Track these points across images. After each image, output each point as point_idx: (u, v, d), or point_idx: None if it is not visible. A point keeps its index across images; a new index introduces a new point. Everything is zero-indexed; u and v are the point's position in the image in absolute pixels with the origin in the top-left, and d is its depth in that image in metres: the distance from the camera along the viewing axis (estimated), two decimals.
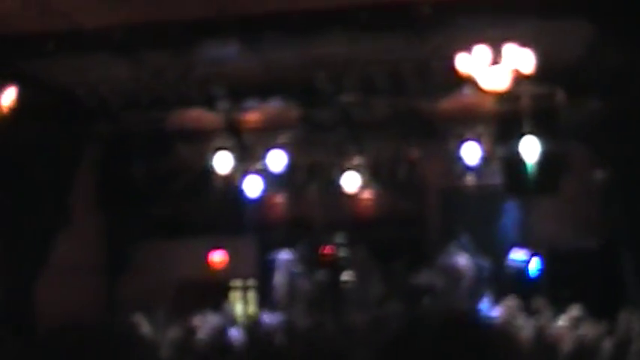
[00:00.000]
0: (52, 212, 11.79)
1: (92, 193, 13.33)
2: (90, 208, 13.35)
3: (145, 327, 11.87)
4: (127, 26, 9.31)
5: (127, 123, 12.20)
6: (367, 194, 14.24)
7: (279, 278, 13.92)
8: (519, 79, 9.89)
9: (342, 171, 13.60)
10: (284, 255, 13.96)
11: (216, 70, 10.96)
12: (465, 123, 12.73)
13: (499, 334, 10.62)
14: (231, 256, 15.22)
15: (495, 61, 9.67)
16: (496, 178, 13.21)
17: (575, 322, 11.11)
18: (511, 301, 11.83)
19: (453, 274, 12.84)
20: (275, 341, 11.70)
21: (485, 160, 13.02)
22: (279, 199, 14.36)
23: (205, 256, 15.16)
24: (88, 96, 10.91)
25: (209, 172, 13.57)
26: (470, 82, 10.05)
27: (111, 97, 10.83)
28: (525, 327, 11.15)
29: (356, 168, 13.62)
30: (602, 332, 10.64)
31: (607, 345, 10.22)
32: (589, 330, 10.82)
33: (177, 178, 13.85)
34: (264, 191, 13.89)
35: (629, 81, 10.14)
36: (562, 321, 11.25)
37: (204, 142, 13.37)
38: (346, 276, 13.58)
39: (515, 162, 12.52)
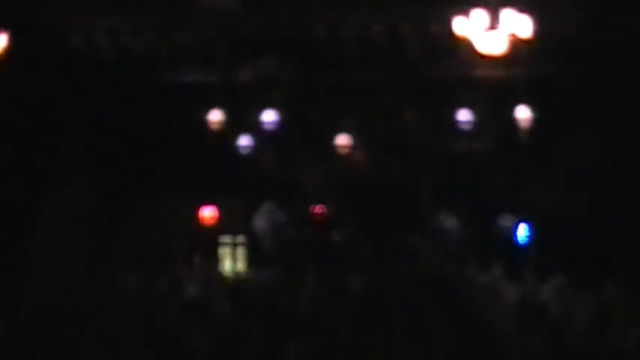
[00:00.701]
0: (44, 163, 11.74)
1: (84, 145, 13.23)
2: (82, 160, 13.21)
3: (135, 279, 11.84)
4: None
5: (120, 75, 12.09)
6: (360, 156, 14.25)
7: (263, 230, 14.00)
8: (516, 45, 10.00)
9: (336, 132, 13.62)
10: (268, 207, 14.04)
11: (213, 26, 11.07)
12: (460, 88, 12.78)
13: (484, 297, 10.74)
14: (221, 212, 15.20)
15: (493, 25, 9.75)
16: (489, 144, 13.35)
17: (561, 289, 11.16)
18: (498, 266, 11.88)
19: (442, 236, 12.94)
20: (262, 297, 11.58)
21: (480, 125, 13.10)
22: (272, 157, 14.34)
23: (196, 212, 15.15)
24: (81, 46, 10.80)
25: (202, 128, 13.58)
26: (467, 45, 10.12)
27: (105, 47, 10.77)
28: (511, 292, 11.20)
29: (348, 129, 13.64)
30: (587, 299, 10.65)
31: (591, 311, 10.21)
32: (574, 297, 10.88)
33: (170, 134, 13.81)
34: (257, 149, 13.91)
35: (622, 50, 10.38)
36: (547, 287, 11.28)
37: (198, 97, 13.33)
38: (335, 235, 13.68)
39: (508, 128, 12.65)
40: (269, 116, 13.51)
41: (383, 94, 13.07)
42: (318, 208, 14.03)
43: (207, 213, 15.26)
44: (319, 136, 13.86)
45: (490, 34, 9.85)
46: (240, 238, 15.65)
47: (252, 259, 14.67)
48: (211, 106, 13.37)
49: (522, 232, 13.23)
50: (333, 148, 13.78)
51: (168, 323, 9.96)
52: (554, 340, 8.81)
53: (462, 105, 13.02)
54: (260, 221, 14.01)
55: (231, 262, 15.89)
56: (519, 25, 9.86)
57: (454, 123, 13.19)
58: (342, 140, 13.62)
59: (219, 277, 13.19)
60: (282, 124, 13.62)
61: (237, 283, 12.86)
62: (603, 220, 12.61)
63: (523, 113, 12.49)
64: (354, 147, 13.86)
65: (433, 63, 11.82)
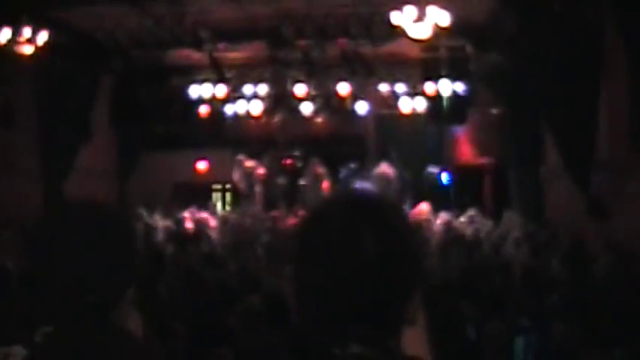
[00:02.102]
0: (77, 128, 11.93)
1: (107, 114, 13.38)
2: (106, 125, 13.44)
3: (146, 218, 12.28)
4: None
5: (134, 59, 12.19)
6: (320, 119, 14.58)
7: (241, 179, 14.17)
8: (438, 32, 10.19)
9: (301, 100, 13.70)
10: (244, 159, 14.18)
11: (203, 18, 11.01)
12: (397, 65, 12.91)
13: (416, 226, 11.22)
14: (213, 164, 15.57)
15: (420, 17, 10.01)
16: (419, 109, 13.46)
17: (472, 219, 11.93)
18: (426, 203, 12.63)
19: (384, 181, 13.04)
20: (245, 230, 12.01)
21: (412, 94, 13.32)
22: (252, 120, 14.43)
23: (193, 165, 15.57)
24: (104, 38, 10.94)
25: (197, 98, 13.76)
26: (401, 33, 10.33)
27: (122, 39, 10.86)
28: (435, 222, 11.98)
29: (312, 98, 13.73)
30: (491, 226, 11.44)
31: (494, 235, 10.84)
32: (482, 224, 11.64)
33: (172, 103, 13.89)
34: (240, 115, 14.02)
35: (521, 39, 10.34)
36: (463, 218, 12.04)
37: (193, 74, 13.53)
38: (302, 181, 13.80)
39: (434, 97, 12.98)
40: (249, 89, 13.65)
41: (338, 69, 13.01)
42: (289, 160, 14.23)
43: (202, 165, 15.74)
44: (290, 103, 13.83)
45: (418, 24, 10.04)
46: (228, 185, 16.08)
47: (238, 201, 14.84)
48: (205, 80, 13.44)
49: (445, 178, 13.62)
50: (299, 113, 13.88)
51: (174, 249, 10.19)
52: (468, 256, 8.96)
53: (398, 79, 13.25)
54: (236, 174, 14.15)
55: (222, 203, 16.44)
56: (440, 17, 9.92)
57: (393, 92, 13.34)
58: (307, 107, 13.75)
59: (214, 215, 13.32)
60: (259, 94, 13.68)
61: (225, 217, 13.11)
62: (503, 168, 12.94)
63: (445, 85, 12.75)
64: (315, 112, 14.07)
65: (375, 46, 11.68)
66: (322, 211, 1.32)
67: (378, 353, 1.19)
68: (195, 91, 13.62)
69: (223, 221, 12.75)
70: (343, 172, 13.74)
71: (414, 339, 1.27)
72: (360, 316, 1.21)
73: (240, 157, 14.20)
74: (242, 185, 14.19)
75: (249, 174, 14.05)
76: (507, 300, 6.38)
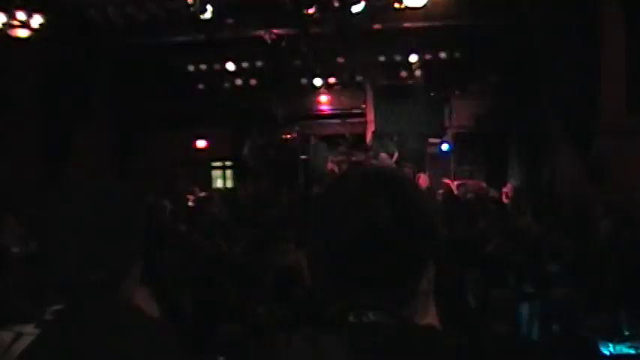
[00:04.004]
0: (75, 109, 11.79)
1: (105, 93, 13.26)
2: (104, 104, 13.32)
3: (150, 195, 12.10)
4: None
5: (130, 38, 11.92)
6: (319, 93, 14.62)
7: (248, 155, 14.19)
8: (434, 1, 10.14)
9: (302, 74, 13.65)
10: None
11: None
12: (394, 36, 12.71)
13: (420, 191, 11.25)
14: (212, 142, 15.52)
15: None
16: (420, 79, 13.59)
17: (474, 187, 12.18)
18: (424, 173, 12.83)
19: (385, 157, 13.09)
20: (246, 207, 11.84)
21: (410, 65, 13.35)
22: (252, 95, 14.30)
23: (192, 142, 15.51)
24: (98, 17, 10.70)
25: (194, 74, 13.74)
26: (397, 2, 10.23)
27: (116, 17, 10.65)
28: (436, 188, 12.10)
29: (312, 71, 13.64)
30: (493, 193, 11.58)
31: (494, 194, 11.23)
32: (484, 192, 11.79)
33: (170, 80, 13.70)
34: (238, 90, 13.95)
35: (520, 5, 10.25)
36: (464, 186, 12.28)
37: (190, 50, 13.26)
38: (304, 156, 13.75)
39: (432, 66, 12.96)
40: (247, 64, 13.54)
41: (335, 43, 12.70)
42: (290, 134, 14.16)
43: (201, 143, 15.77)
44: (288, 80, 13.80)
45: None
46: (228, 163, 16.09)
47: (238, 178, 14.89)
48: (202, 59, 13.32)
49: (446, 146, 13.64)
50: (299, 89, 13.94)
51: (175, 226, 10.09)
52: (470, 224, 8.96)
53: (395, 50, 13.16)
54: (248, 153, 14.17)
55: (222, 180, 16.44)
56: None
57: (390, 63, 13.33)
58: (305, 82, 13.67)
59: (214, 193, 13.38)
60: (259, 68, 13.62)
61: (227, 195, 13.12)
62: (504, 136, 13.10)
63: (443, 54, 12.73)
64: (315, 86, 14.02)
65: (372, 19, 11.45)
66: (336, 183, 1.35)
67: (393, 321, 1.20)
68: (192, 67, 13.54)
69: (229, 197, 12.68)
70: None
71: (423, 306, 1.28)
72: (374, 285, 1.21)
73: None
74: (251, 162, 14.14)
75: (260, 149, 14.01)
76: (510, 266, 6.42)
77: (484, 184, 12.43)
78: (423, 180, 12.30)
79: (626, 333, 5.23)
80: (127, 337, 1.55)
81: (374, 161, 13.00)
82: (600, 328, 5.09)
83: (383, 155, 13.20)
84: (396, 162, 13.01)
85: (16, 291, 3.24)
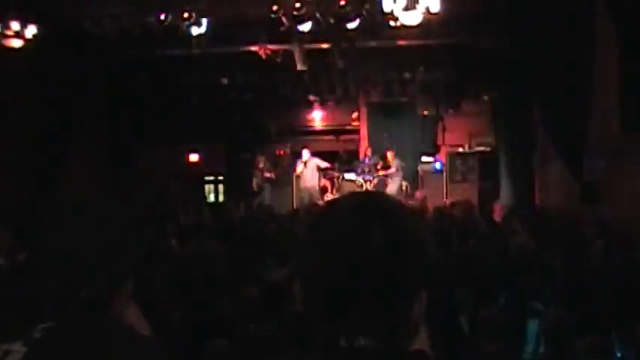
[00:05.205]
0: (68, 121, 11.77)
1: (100, 105, 13.21)
2: (98, 116, 13.28)
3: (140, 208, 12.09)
4: None
5: (125, 51, 11.84)
6: (314, 109, 14.69)
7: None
8: (430, 20, 10.09)
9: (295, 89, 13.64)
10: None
11: (191, 8, 10.63)
12: (390, 53, 12.69)
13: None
14: (205, 156, 15.62)
15: (411, 4, 9.84)
16: (414, 97, 13.67)
17: (466, 206, 11.69)
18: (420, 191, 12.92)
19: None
20: (238, 221, 11.73)
21: (404, 82, 13.35)
22: (244, 111, 14.42)
23: (186, 157, 15.65)
24: (92, 29, 10.63)
25: (188, 88, 13.65)
26: (392, 19, 10.25)
27: (112, 30, 10.58)
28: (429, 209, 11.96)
29: (304, 86, 13.63)
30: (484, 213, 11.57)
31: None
32: (474, 211, 11.59)
33: (164, 93, 13.69)
34: (233, 104, 13.97)
35: (513, 24, 10.45)
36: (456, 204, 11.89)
37: (185, 67, 13.19)
38: (296, 173, 13.70)
39: (426, 84, 13.00)
40: (241, 78, 13.44)
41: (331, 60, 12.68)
42: (282, 151, 14.28)
43: (194, 157, 15.83)
44: (282, 95, 13.79)
45: (408, 12, 9.87)
46: (221, 177, 16.09)
47: (230, 192, 14.85)
48: (194, 74, 13.28)
49: (438, 165, 13.70)
50: (293, 102, 14.00)
51: (166, 241, 9.66)
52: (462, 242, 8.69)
53: (390, 67, 13.18)
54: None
55: (214, 195, 16.44)
56: (431, 2, 9.71)
57: (385, 81, 13.39)
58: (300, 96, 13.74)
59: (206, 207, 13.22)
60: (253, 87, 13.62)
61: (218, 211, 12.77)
62: (496, 155, 13.04)
63: (437, 72, 12.84)
64: (310, 102, 14.15)
65: (368, 35, 11.40)
66: (329, 208, 1.36)
67: (384, 347, 1.21)
68: (186, 80, 13.50)
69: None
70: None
71: (414, 331, 1.28)
72: (365, 310, 1.22)
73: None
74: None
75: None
76: (504, 286, 6.37)
77: (476, 203, 12.44)
78: (417, 198, 12.37)
79: (618, 354, 5.20)
80: (118, 356, 1.53)
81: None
82: (591, 350, 5.07)
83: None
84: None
85: (2, 307, 3.19)
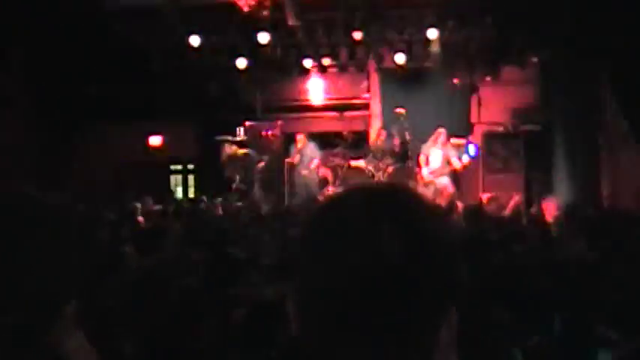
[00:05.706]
0: None
1: (26, 73, 13.14)
2: (24, 90, 13.21)
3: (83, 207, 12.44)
4: None
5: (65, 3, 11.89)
6: (312, 77, 14.80)
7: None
8: None
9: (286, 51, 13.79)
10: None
11: None
12: (408, 8, 12.94)
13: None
14: (170, 140, 15.67)
15: None
16: (440, 62, 13.62)
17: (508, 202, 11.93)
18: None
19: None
20: (216, 224, 12.13)
21: (427, 42, 13.41)
22: (221, 80, 14.36)
23: (145, 140, 15.64)
24: None
25: (148, 50, 13.55)
26: None
27: None
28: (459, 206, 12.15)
29: (302, 49, 13.83)
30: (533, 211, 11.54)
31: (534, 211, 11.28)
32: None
33: (113, 57, 13.57)
34: (205, 71, 13.98)
35: None
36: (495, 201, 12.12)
37: (142, 22, 12.99)
38: (289, 159, 13.94)
39: (455, 45, 13.04)
40: (222, 39, 13.55)
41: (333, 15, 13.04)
42: (270, 132, 14.26)
43: (156, 141, 15.85)
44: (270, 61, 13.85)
45: None
46: (191, 166, 16.13)
47: (204, 186, 14.82)
48: (157, 30, 13.11)
49: (472, 149, 13.63)
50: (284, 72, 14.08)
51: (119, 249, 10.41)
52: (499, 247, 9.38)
53: (409, 23, 13.31)
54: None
55: (183, 189, 16.46)
56: None
57: (404, 41, 13.52)
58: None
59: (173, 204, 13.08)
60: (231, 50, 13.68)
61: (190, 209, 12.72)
62: (549, 136, 13.11)
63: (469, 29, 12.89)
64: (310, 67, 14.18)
65: None
66: (333, 205, 1.36)
67: None
68: (146, 41, 13.36)
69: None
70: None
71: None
72: (380, 334, 1.23)
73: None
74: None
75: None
76: (561, 305, 6.44)
77: (521, 199, 12.47)
78: (445, 191, 12.51)
79: None
80: None
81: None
82: None
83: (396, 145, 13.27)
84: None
85: None
